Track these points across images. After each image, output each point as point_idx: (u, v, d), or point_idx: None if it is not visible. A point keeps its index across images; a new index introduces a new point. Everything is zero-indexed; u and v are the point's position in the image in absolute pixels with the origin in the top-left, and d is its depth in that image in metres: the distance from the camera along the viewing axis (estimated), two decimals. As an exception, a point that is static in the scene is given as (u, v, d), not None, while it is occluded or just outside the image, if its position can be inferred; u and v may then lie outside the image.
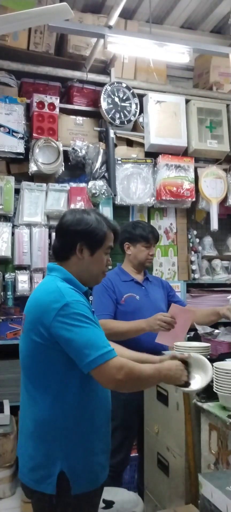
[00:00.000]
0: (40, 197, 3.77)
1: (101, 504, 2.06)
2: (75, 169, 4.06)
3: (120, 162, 4.01)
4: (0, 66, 3.82)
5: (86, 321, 1.68)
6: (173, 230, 4.25)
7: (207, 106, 4.31)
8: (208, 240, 4.38)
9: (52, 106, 3.84)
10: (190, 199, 4.17)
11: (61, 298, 1.69)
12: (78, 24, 3.88)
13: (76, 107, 4.07)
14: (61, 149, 3.84)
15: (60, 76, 4.00)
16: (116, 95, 4.01)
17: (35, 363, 1.75)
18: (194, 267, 4.23)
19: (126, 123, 4.05)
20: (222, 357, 2.29)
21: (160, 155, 4.13)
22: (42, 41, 3.90)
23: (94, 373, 1.65)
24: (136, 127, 4.19)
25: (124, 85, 4.07)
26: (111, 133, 3.96)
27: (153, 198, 4.09)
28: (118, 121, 4.00)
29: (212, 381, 2.02)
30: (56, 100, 3.87)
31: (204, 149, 4.26)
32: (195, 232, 4.35)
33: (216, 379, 1.99)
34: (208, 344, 2.52)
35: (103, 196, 3.83)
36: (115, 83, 4.04)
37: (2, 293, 3.64)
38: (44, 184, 3.80)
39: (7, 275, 3.67)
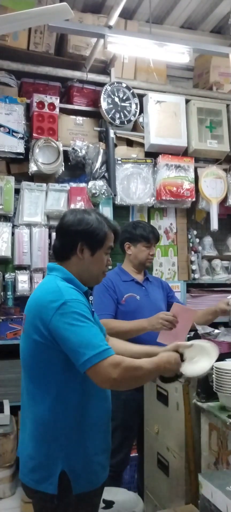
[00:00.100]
0: (40, 197, 3.77)
1: (101, 504, 2.06)
2: (75, 169, 4.06)
3: (120, 162, 4.01)
4: (0, 66, 3.82)
5: (83, 320, 1.67)
6: (173, 230, 4.26)
7: (207, 106, 4.31)
8: (208, 240, 4.38)
9: (52, 106, 3.84)
10: (190, 199, 4.17)
11: (60, 297, 1.69)
12: (78, 24, 3.88)
13: (76, 107, 4.07)
14: (61, 149, 3.84)
15: (60, 76, 4.00)
16: (116, 95, 4.01)
17: (35, 362, 1.75)
18: (194, 267, 4.23)
19: (126, 123, 4.05)
20: (222, 357, 2.29)
21: (160, 155, 4.13)
22: (42, 41, 3.90)
23: (89, 373, 1.64)
24: (136, 127, 4.19)
25: (124, 85, 4.07)
26: (111, 133, 3.96)
27: (153, 198, 4.09)
28: (118, 121, 4.00)
29: (212, 381, 2.02)
30: (56, 100, 3.87)
31: (204, 149, 4.26)
32: (195, 232, 4.35)
33: (216, 379, 1.99)
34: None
35: (103, 196, 3.83)
36: (115, 83, 4.04)
37: (2, 293, 3.64)
38: (44, 184, 3.80)
39: (7, 275, 3.67)
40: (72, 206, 3.76)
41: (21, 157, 3.78)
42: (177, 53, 3.62)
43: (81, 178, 3.99)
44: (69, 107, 4.06)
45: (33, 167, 3.75)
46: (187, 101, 4.27)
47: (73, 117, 4.05)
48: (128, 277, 2.97)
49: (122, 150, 4.08)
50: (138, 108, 4.09)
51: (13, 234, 3.69)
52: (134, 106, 4.07)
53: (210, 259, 4.35)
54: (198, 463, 2.11)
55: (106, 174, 3.91)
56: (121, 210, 4.06)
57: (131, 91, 4.08)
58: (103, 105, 3.96)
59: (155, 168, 4.14)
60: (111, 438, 1.92)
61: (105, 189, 3.83)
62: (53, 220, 3.77)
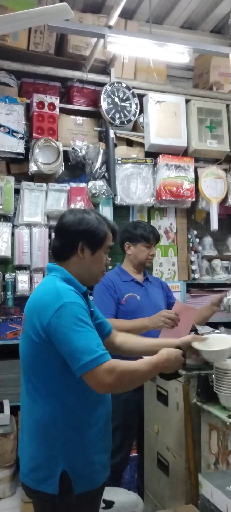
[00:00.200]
0: (40, 197, 3.77)
1: (101, 504, 2.06)
2: (75, 169, 4.06)
3: (120, 162, 4.01)
4: (0, 66, 3.82)
5: (81, 325, 1.67)
6: (173, 230, 4.25)
7: (207, 106, 4.31)
8: (208, 240, 4.38)
9: (52, 106, 3.84)
10: (190, 199, 4.17)
11: (58, 299, 1.69)
12: (78, 24, 3.88)
13: (76, 107, 4.07)
14: (61, 149, 3.84)
15: (60, 76, 4.00)
16: (116, 95, 4.01)
17: (35, 363, 1.75)
18: (194, 267, 4.23)
19: (126, 123, 4.05)
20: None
21: (160, 155, 4.13)
22: (42, 41, 3.90)
23: (85, 378, 1.64)
24: (136, 127, 4.19)
25: (124, 85, 4.07)
26: (111, 133, 3.96)
27: (153, 198, 4.09)
28: (118, 121, 4.00)
29: (212, 381, 2.02)
30: (56, 100, 3.87)
31: (204, 149, 4.26)
32: (195, 232, 4.35)
33: (216, 379, 1.99)
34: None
35: (103, 196, 3.83)
36: (115, 83, 4.04)
37: (2, 293, 3.64)
38: (44, 184, 3.80)
39: (7, 275, 3.67)
40: (72, 206, 3.76)
41: (21, 157, 3.78)
42: (177, 53, 3.62)
43: (81, 178, 3.99)
44: (69, 107, 4.06)
45: (33, 167, 3.75)
46: (187, 101, 4.27)
47: (73, 117, 4.05)
48: (128, 277, 2.97)
49: (122, 150, 4.08)
50: (138, 108, 4.09)
51: (13, 234, 3.69)
52: (134, 106, 4.07)
53: (210, 259, 4.35)
54: (198, 463, 2.11)
55: (106, 174, 3.91)
56: (121, 210, 4.06)
57: (131, 91, 4.08)
58: (103, 105, 3.96)
59: (155, 168, 4.14)
60: (112, 438, 1.92)
61: (105, 189, 3.83)
62: (53, 220, 3.77)
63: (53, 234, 3.68)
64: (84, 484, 1.73)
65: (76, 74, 4.02)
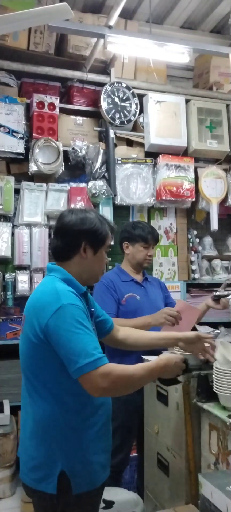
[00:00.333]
0: (40, 197, 3.77)
1: (101, 504, 2.06)
2: (75, 169, 4.06)
3: (120, 162, 4.01)
4: (0, 66, 3.82)
5: (78, 327, 1.66)
6: (173, 230, 4.25)
7: (207, 106, 4.32)
8: (208, 240, 4.38)
9: (52, 106, 3.84)
10: (190, 199, 4.17)
11: (57, 300, 1.69)
12: (78, 24, 3.88)
13: (76, 107, 4.07)
14: (61, 149, 3.84)
15: (60, 76, 4.01)
16: (116, 95, 4.01)
17: (34, 364, 1.75)
18: (194, 267, 4.23)
19: (126, 123, 4.05)
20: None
21: (160, 155, 4.13)
22: (42, 41, 3.90)
23: (80, 381, 1.64)
24: (136, 127, 4.19)
25: (124, 85, 4.07)
26: (111, 133, 3.96)
27: (153, 198, 4.09)
28: (118, 121, 4.00)
29: (212, 381, 2.02)
30: (56, 100, 3.87)
31: (204, 149, 4.26)
32: (195, 232, 4.35)
33: (216, 379, 1.99)
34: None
35: (103, 196, 3.83)
36: (115, 83, 4.04)
37: (2, 293, 3.64)
38: (44, 184, 3.80)
39: (7, 275, 3.67)
40: (72, 206, 3.76)
41: (21, 157, 3.78)
42: (177, 53, 3.62)
43: (81, 178, 3.99)
44: (69, 107, 4.06)
45: (33, 167, 3.75)
46: (187, 101, 4.27)
47: (73, 117, 4.05)
48: (127, 277, 2.97)
49: (122, 150, 4.09)
50: (138, 108, 4.09)
51: (13, 234, 3.69)
52: (134, 106, 4.07)
53: (210, 259, 4.35)
54: (198, 463, 2.11)
55: (106, 174, 3.91)
56: (121, 210, 4.06)
57: (131, 91, 4.08)
58: (103, 105, 3.96)
59: (155, 168, 4.14)
60: (112, 438, 1.92)
61: (105, 189, 3.83)
62: (53, 220, 3.76)
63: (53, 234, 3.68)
64: (83, 484, 1.73)
65: (76, 74, 4.02)
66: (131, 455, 3.04)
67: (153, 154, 4.16)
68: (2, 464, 3.37)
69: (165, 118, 4.14)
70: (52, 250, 1.94)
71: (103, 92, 3.97)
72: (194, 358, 2.24)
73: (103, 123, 4.06)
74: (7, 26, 2.86)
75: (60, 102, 3.96)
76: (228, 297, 3.05)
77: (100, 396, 1.71)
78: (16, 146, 3.73)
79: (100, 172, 3.89)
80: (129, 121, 4.06)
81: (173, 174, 4.10)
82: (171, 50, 3.59)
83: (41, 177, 3.83)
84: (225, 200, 4.29)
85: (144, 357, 2.47)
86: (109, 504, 2.25)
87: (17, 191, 3.76)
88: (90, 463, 1.76)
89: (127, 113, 4.05)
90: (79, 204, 3.79)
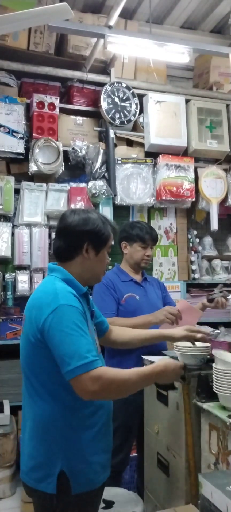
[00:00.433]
0: (40, 197, 3.77)
1: (101, 504, 2.06)
2: (75, 169, 4.06)
3: (120, 162, 4.01)
4: (0, 66, 3.82)
5: (74, 328, 1.66)
6: (173, 230, 4.26)
7: (207, 106, 4.32)
8: (208, 240, 4.38)
9: (52, 106, 3.84)
10: (190, 199, 4.17)
11: (55, 300, 1.69)
12: (78, 24, 3.88)
13: (76, 107, 4.07)
14: (61, 149, 3.84)
15: (60, 76, 4.01)
16: (116, 95, 4.01)
17: (33, 363, 1.75)
18: (194, 267, 4.23)
19: (126, 123, 4.05)
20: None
21: (160, 155, 4.13)
22: (42, 41, 3.90)
23: (71, 383, 1.64)
24: (136, 127, 4.19)
25: (124, 85, 4.07)
26: (111, 133, 3.96)
27: (153, 198, 4.09)
28: (118, 121, 4.00)
29: (212, 381, 2.02)
30: (56, 100, 3.87)
31: (204, 149, 4.26)
32: (195, 232, 4.35)
33: (216, 379, 1.99)
34: (208, 344, 2.52)
35: (103, 196, 3.83)
36: (115, 83, 4.04)
37: (2, 293, 3.65)
38: (44, 184, 3.80)
39: (7, 275, 3.67)
40: (72, 206, 3.76)
41: (21, 157, 3.78)
42: (177, 53, 3.62)
43: (81, 178, 3.99)
44: (69, 107, 4.06)
45: (33, 167, 3.75)
46: (187, 101, 4.28)
47: (73, 117, 4.05)
48: (126, 277, 2.97)
49: (122, 150, 4.09)
50: (138, 108, 4.09)
51: (13, 234, 3.70)
52: (134, 106, 4.07)
53: (210, 259, 4.35)
54: (198, 463, 2.11)
55: (106, 174, 3.91)
56: (121, 210, 4.06)
57: (131, 91, 4.08)
58: (103, 105, 3.96)
59: (155, 168, 4.14)
60: (112, 439, 1.92)
61: (105, 189, 3.83)
62: (53, 220, 3.77)
63: (53, 234, 3.69)
64: (82, 484, 1.73)
65: (76, 74, 4.02)
66: (131, 455, 3.03)
67: (153, 154, 4.16)
68: (2, 464, 3.37)
69: (165, 118, 4.14)
70: (54, 250, 1.93)
71: (103, 92, 3.97)
72: (194, 358, 2.24)
73: (103, 123, 4.06)
74: (7, 26, 2.86)
75: (60, 102, 3.96)
76: (228, 297, 3.05)
77: (90, 399, 1.70)
78: (16, 146, 3.73)
79: (100, 172, 3.89)
80: (129, 121, 4.06)
81: (173, 174, 4.10)
82: (171, 50, 3.59)
83: (41, 177, 3.83)
84: (225, 200, 4.30)
85: (144, 357, 2.48)
86: (109, 504, 2.25)
87: (17, 191, 3.77)
88: (90, 463, 1.75)
89: (127, 113, 4.05)
90: (79, 204, 3.79)
